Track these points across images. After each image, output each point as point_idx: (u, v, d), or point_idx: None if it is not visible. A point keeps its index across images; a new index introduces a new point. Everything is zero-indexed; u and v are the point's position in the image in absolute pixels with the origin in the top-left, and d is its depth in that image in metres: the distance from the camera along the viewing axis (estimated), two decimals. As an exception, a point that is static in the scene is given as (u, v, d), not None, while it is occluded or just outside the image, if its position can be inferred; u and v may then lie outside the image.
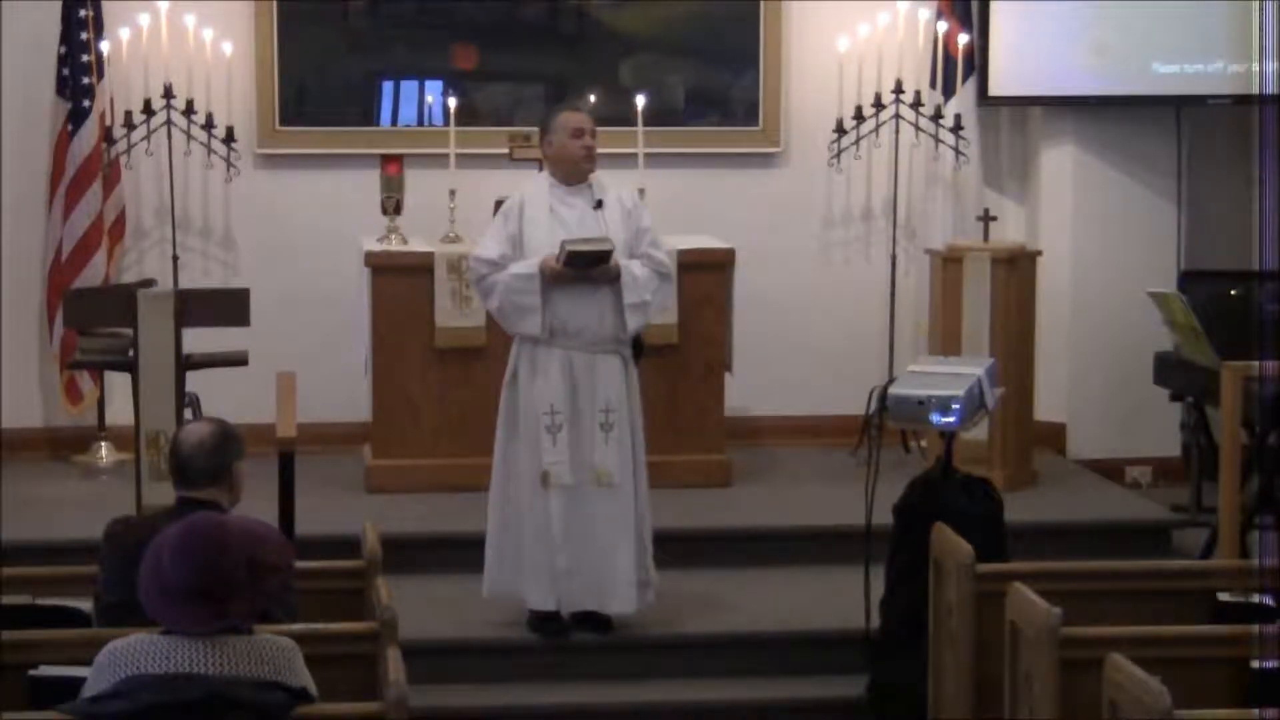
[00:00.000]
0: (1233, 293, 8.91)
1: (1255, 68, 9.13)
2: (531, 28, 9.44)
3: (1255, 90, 9.16)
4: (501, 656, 6.93)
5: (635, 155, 8.62)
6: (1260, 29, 8.96)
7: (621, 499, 6.81)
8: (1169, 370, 8.61)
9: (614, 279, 6.71)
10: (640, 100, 8.79)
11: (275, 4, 9.18)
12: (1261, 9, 8.96)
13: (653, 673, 6.90)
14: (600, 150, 8.72)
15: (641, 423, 6.93)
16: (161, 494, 6.18)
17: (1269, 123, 8.77)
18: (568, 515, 6.78)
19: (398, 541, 6.61)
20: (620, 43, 9.48)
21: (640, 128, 8.69)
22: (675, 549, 7.70)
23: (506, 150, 8.73)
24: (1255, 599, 5.44)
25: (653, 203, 8.62)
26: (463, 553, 7.29)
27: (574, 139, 6.83)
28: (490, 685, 6.82)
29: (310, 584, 5.24)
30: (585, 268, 6.69)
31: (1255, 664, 4.88)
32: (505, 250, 6.82)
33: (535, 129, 8.68)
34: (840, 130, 9.28)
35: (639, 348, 6.90)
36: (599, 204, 6.79)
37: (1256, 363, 7.53)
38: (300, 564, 5.13)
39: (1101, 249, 9.33)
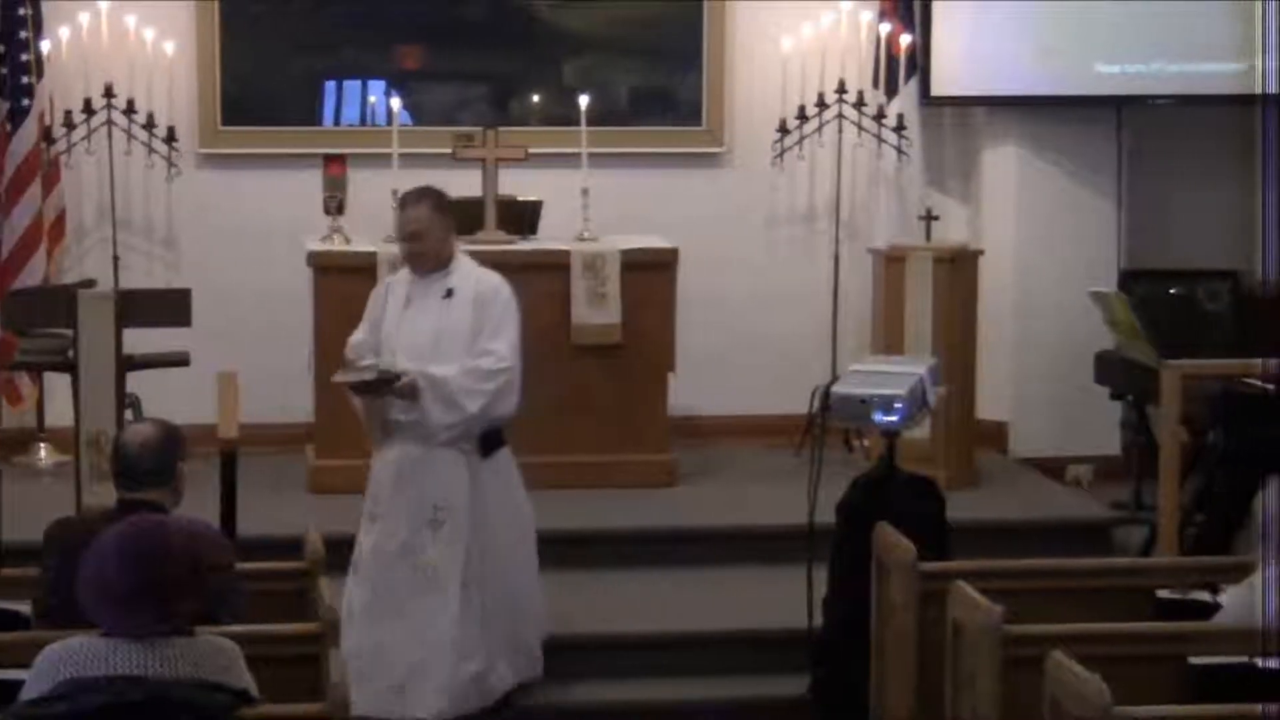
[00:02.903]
0: (1172, 292, 8.98)
1: (1198, 68, 9.20)
2: (476, 28, 9.43)
3: (1196, 91, 9.23)
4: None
5: (579, 155, 8.61)
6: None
7: (443, 600, 6.45)
8: (1110, 369, 8.66)
9: (411, 397, 6.43)
10: (584, 100, 8.78)
11: (217, 4, 9.15)
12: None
13: (594, 673, 6.90)
14: (545, 150, 8.83)
15: (507, 519, 6.60)
16: (102, 495, 6.15)
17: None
18: (370, 609, 6.47)
19: (342, 542, 6.59)
20: (564, 43, 9.48)
21: (584, 128, 8.68)
22: (620, 549, 7.73)
23: (450, 150, 8.71)
24: (1194, 595, 5.47)
25: (597, 202, 8.66)
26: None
27: (401, 241, 6.61)
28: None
29: (253, 585, 5.21)
30: (370, 392, 6.49)
31: (1193, 660, 4.92)
32: (365, 335, 6.66)
33: (479, 129, 8.74)
34: (784, 130, 9.30)
35: (490, 443, 6.54)
36: (449, 293, 6.52)
37: (1196, 361, 7.59)
38: (243, 565, 5.12)
39: (1043, 248, 9.37)
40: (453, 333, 6.46)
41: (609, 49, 9.50)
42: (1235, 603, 5.20)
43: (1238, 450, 7.64)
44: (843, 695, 6.31)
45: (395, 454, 6.56)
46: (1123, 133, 9.39)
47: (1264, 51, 8.93)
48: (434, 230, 6.51)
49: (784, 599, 6.80)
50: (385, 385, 6.44)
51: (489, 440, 6.55)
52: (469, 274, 6.58)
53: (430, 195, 6.60)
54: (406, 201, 6.61)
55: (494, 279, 6.62)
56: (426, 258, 6.53)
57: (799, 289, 9.50)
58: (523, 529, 6.71)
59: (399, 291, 6.63)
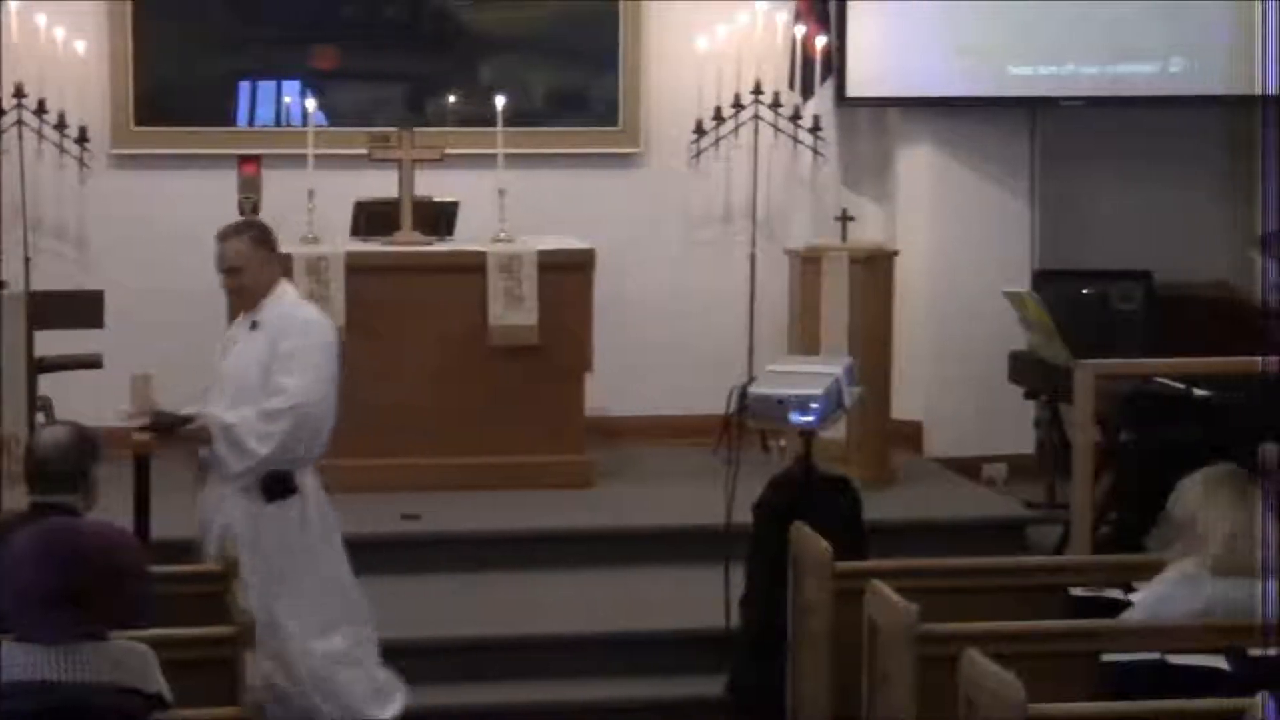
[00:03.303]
0: (1085, 291, 9.05)
1: (1110, 70, 9.28)
2: (392, 28, 9.41)
3: (1108, 93, 9.31)
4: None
5: (495, 156, 8.60)
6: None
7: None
8: (1024, 368, 8.72)
9: (205, 440, 6.19)
10: (500, 101, 8.77)
11: (129, 3, 9.09)
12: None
13: (512, 673, 6.90)
14: (461, 151, 8.81)
15: (278, 577, 6.16)
16: (13, 499, 6.09)
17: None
18: None
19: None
20: (481, 43, 9.47)
21: (500, 128, 8.68)
22: (537, 550, 7.72)
23: (366, 151, 8.68)
24: (1107, 593, 5.52)
25: (513, 203, 8.65)
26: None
27: (220, 275, 6.39)
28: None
29: (167, 588, 5.18)
30: (160, 433, 6.28)
31: (1105, 657, 4.96)
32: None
33: (395, 130, 8.71)
34: (700, 131, 9.32)
35: (273, 488, 6.21)
36: (253, 326, 6.30)
37: (1109, 361, 7.65)
38: (157, 568, 5.08)
39: (958, 248, 9.43)
40: (252, 368, 6.23)
41: (525, 50, 9.50)
42: (1146, 600, 5.25)
43: (1149, 449, 7.72)
44: (760, 695, 6.32)
45: (203, 494, 6.34)
46: (1036, 134, 9.46)
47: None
48: (251, 265, 6.28)
49: (701, 599, 6.81)
50: (173, 427, 6.24)
51: (272, 485, 6.21)
52: (282, 309, 6.30)
53: (250, 228, 6.44)
54: (225, 235, 6.40)
55: (304, 314, 6.35)
56: (245, 292, 6.33)
57: (716, 290, 9.52)
58: (302, 593, 6.24)
59: (233, 331, 6.49)
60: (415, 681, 6.81)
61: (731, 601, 6.56)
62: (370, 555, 7.59)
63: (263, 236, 6.39)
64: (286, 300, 6.35)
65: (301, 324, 6.27)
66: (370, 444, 8.33)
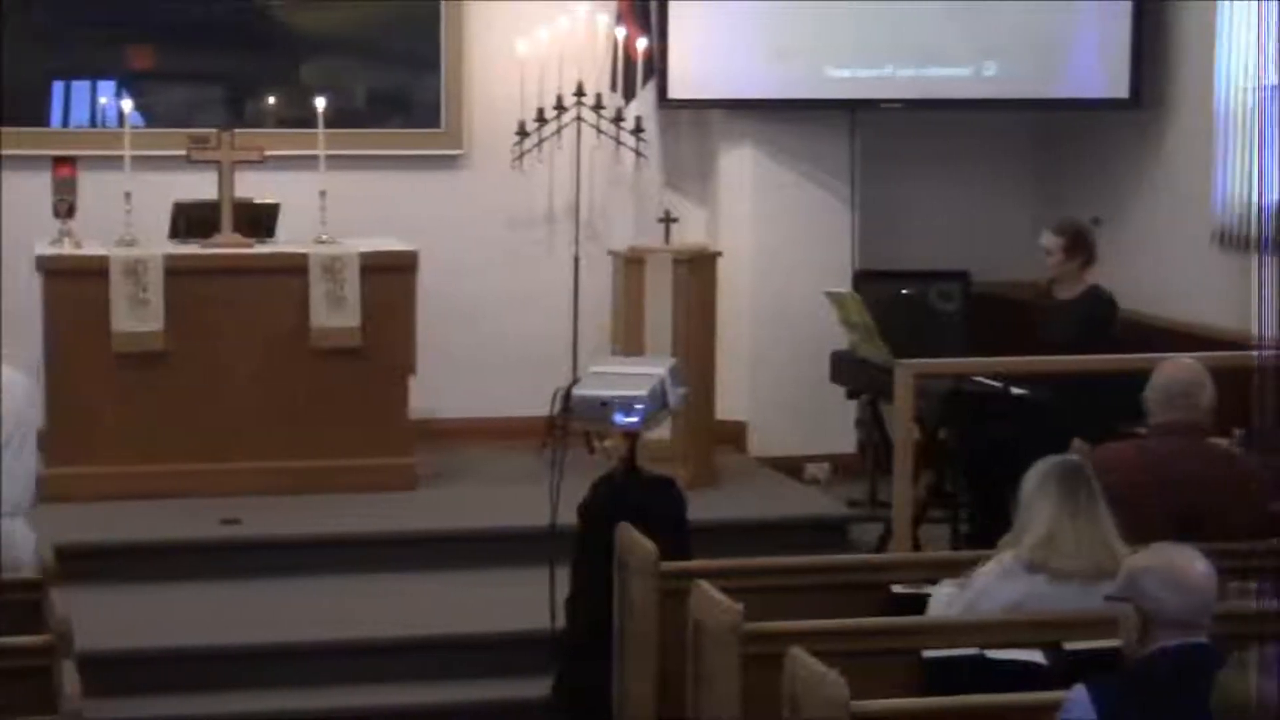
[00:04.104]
0: (904, 292, 9.17)
1: (926, 72, 9.41)
2: (210, 28, 9.29)
3: (924, 95, 9.43)
4: (186, 664, 6.81)
5: (317, 157, 8.54)
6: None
7: None
8: (845, 368, 8.81)
9: None
10: (321, 102, 8.70)
11: (-62, -1, 8.92)
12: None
13: (338, 678, 6.85)
14: (281, 152, 8.73)
15: None
16: None
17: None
18: None
19: (77, 551, 6.46)
20: (302, 43, 9.39)
21: (321, 130, 8.61)
22: (360, 554, 7.68)
23: (184, 152, 8.57)
24: (927, 590, 5.60)
25: (335, 204, 8.59)
26: (145, 561, 7.21)
27: None
28: (174, 695, 6.70)
29: (-18, 598, 5.10)
30: None
31: (926, 653, 5.03)
32: None
33: (214, 131, 8.62)
34: (523, 133, 9.31)
35: None
36: None
37: (928, 360, 7.75)
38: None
39: (780, 249, 9.51)
40: None
41: (346, 50, 9.43)
42: (966, 593, 5.34)
43: (975, 448, 7.85)
44: (586, 696, 6.33)
45: None
46: (855, 135, 9.56)
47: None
48: None
49: (527, 600, 6.79)
50: None
51: None
52: None
53: None
54: None
55: None
56: None
57: (540, 291, 9.53)
58: None
59: None
60: (235, 687, 6.76)
61: (557, 603, 6.56)
62: (190, 560, 7.57)
63: None
64: None
65: None
66: (190, 448, 8.25)
